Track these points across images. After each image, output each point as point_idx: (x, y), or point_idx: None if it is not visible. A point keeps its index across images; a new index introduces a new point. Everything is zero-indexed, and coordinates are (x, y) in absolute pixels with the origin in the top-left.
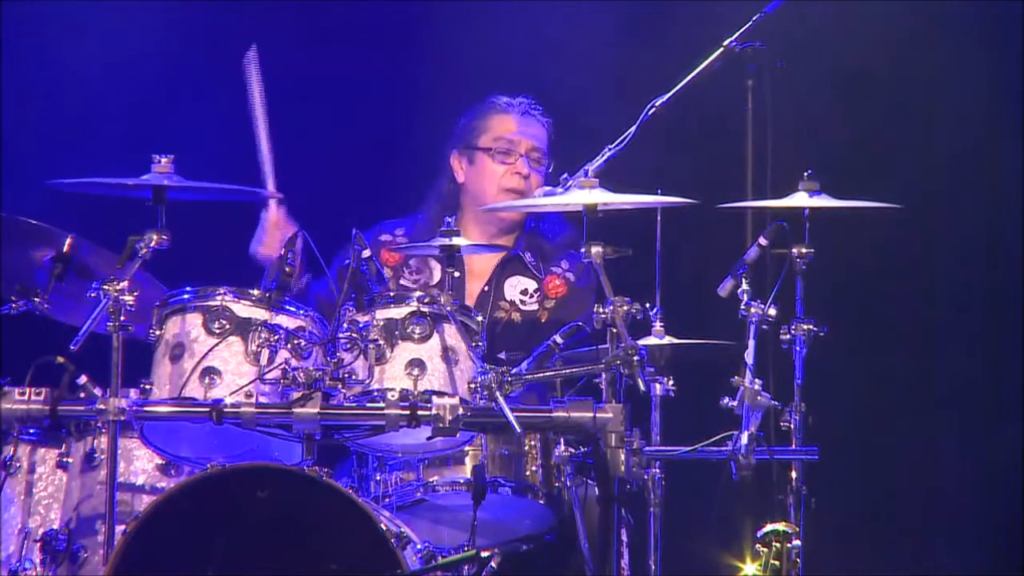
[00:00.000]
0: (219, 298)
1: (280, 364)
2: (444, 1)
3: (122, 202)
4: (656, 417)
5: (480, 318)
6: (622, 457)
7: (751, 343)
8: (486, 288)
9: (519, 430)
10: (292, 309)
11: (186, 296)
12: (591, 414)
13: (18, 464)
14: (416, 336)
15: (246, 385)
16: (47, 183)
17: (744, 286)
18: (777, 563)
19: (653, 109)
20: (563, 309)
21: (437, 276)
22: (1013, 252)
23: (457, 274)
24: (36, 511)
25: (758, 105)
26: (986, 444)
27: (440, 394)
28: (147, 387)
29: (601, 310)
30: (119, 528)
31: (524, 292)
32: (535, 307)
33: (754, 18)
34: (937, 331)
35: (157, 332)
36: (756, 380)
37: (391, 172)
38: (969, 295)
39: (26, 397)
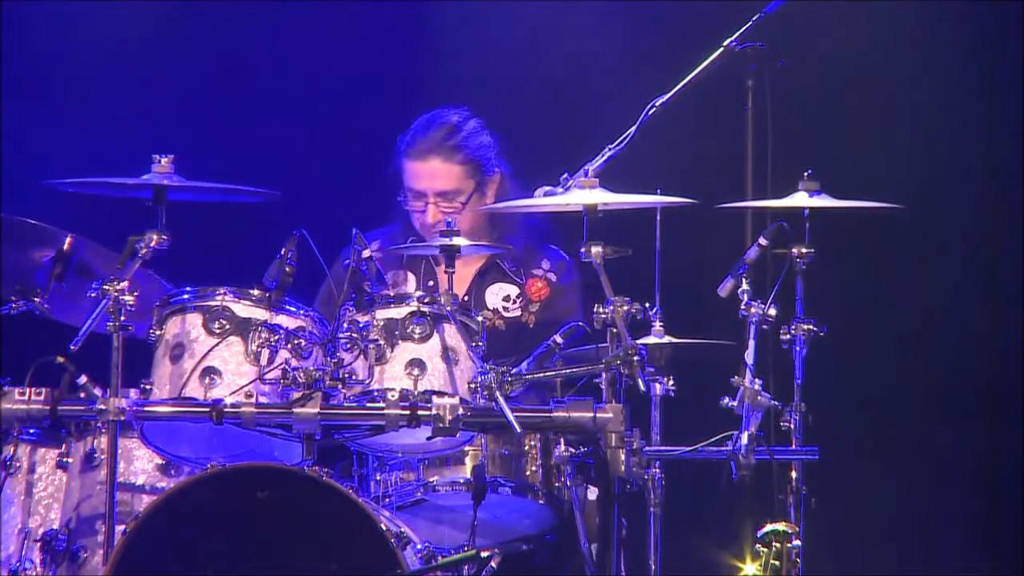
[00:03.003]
0: (219, 298)
1: (280, 364)
2: (445, 1)
3: (122, 202)
4: (656, 417)
5: (480, 318)
6: (622, 457)
7: (751, 343)
8: (466, 298)
9: (519, 430)
10: (292, 309)
11: (186, 296)
12: (591, 414)
13: (18, 464)
14: (416, 336)
15: (246, 385)
16: (46, 183)
17: (744, 286)
18: (777, 563)
19: (653, 109)
20: (550, 310)
21: (412, 286)
22: (1013, 252)
23: (451, 270)
24: (36, 511)
25: (758, 105)
26: (986, 444)
27: (440, 394)
28: (147, 387)
29: (601, 310)
30: (119, 528)
31: (507, 299)
32: (518, 313)
33: (754, 18)
34: (937, 331)
35: (157, 332)
36: (756, 380)
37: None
38: (969, 295)
39: (26, 397)
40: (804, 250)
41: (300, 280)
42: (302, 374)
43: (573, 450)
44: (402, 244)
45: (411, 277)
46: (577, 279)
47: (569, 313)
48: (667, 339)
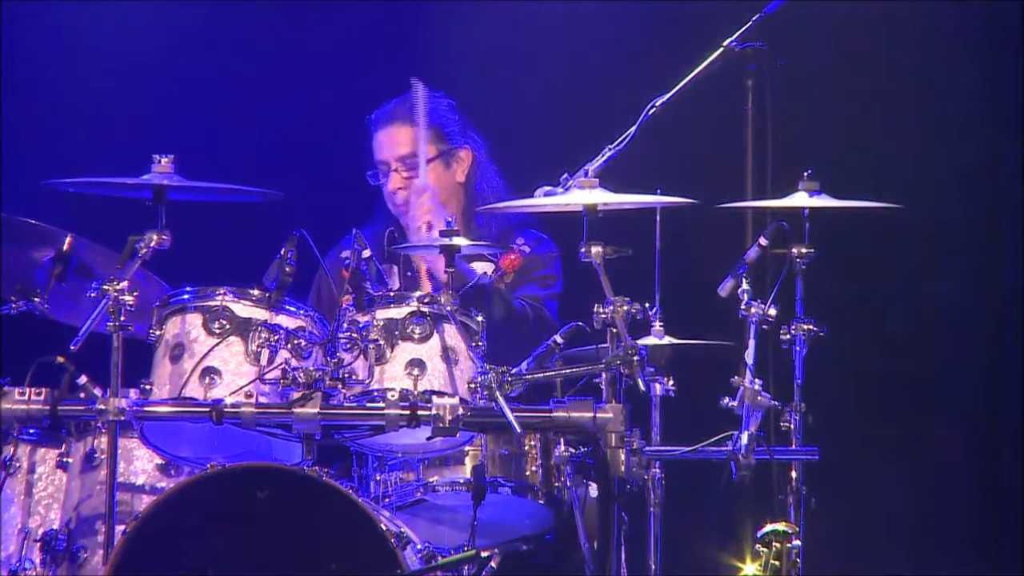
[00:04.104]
0: (219, 298)
1: (280, 364)
2: (446, 1)
3: (122, 202)
4: (656, 417)
5: (480, 318)
6: (622, 457)
7: (751, 343)
8: (445, 279)
9: (519, 430)
10: (292, 309)
11: (186, 296)
12: (591, 414)
13: (18, 464)
14: (416, 336)
15: (246, 385)
16: (47, 183)
17: (744, 286)
18: (777, 563)
19: (653, 109)
20: (523, 275)
21: (396, 283)
22: (1013, 252)
23: (452, 269)
24: (36, 511)
25: (758, 105)
26: (986, 444)
27: (440, 394)
28: (147, 387)
29: (601, 310)
30: (119, 528)
31: (483, 275)
32: None
33: (754, 18)
34: (937, 331)
35: (157, 332)
36: (756, 380)
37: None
38: (969, 295)
39: (26, 397)
40: (804, 250)
41: (300, 280)
42: (302, 374)
43: (573, 450)
44: (383, 240)
45: (393, 269)
46: (555, 251)
47: (544, 279)
48: (667, 339)
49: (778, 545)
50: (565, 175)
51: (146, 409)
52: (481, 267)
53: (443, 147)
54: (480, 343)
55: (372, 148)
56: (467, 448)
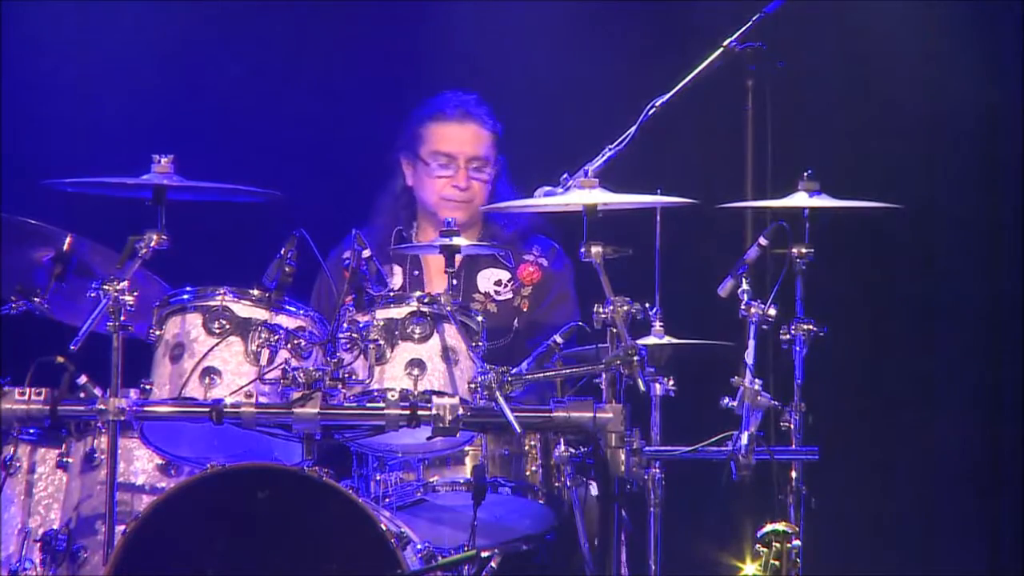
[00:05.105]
0: (219, 298)
1: (280, 364)
2: (446, 1)
3: (122, 202)
4: (656, 417)
5: (480, 318)
6: (622, 457)
7: (751, 343)
8: (455, 281)
9: (519, 430)
10: (292, 309)
11: (186, 296)
12: (591, 414)
13: (18, 464)
14: (416, 336)
15: (246, 385)
16: (46, 183)
17: (744, 286)
18: (777, 563)
19: (653, 109)
20: (543, 293)
21: (398, 282)
22: (1013, 252)
23: (451, 270)
24: (36, 511)
25: (758, 105)
26: (986, 444)
27: (440, 394)
28: (147, 387)
29: (601, 310)
30: (119, 528)
31: (498, 283)
32: (510, 296)
33: (754, 18)
34: (937, 331)
35: (157, 332)
36: (756, 380)
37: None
38: (969, 295)
39: (26, 397)
40: (804, 250)
41: (300, 280)
42: (302, 374)
43: (573, 450)
44: (387, 239)
45: (397, 270)
46: (568, 264)
47: (563, 300)
48: (667, 339)
49: (778, 545)
50: (565, 175)
51: (146, 409)
52: (497, 275)
53: (497, 155)
54: (480, 343)
55: (427, 138)
56: (467, 448)
